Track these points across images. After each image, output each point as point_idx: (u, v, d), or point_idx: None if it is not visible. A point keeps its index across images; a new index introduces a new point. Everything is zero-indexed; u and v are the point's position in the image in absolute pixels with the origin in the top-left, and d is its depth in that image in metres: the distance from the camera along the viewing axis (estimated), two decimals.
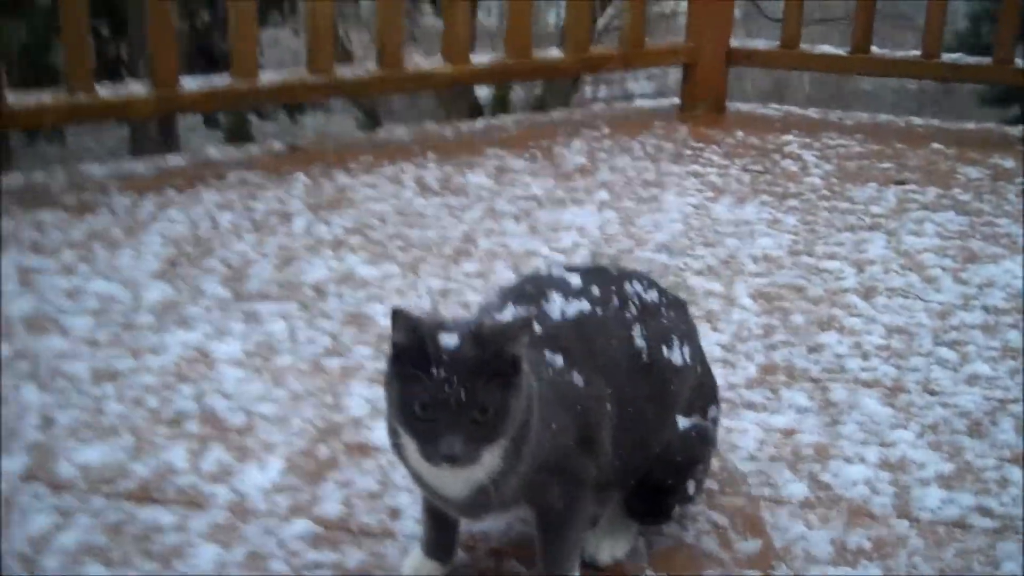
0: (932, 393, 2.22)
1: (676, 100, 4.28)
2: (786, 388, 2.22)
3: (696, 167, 3.57)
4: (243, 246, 2.82)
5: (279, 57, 10.94)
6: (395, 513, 1.80)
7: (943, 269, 2.81)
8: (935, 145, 3.86)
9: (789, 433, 2.06)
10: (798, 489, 1.89)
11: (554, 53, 4.11)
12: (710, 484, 1.85)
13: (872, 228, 3.09)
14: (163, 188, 3.18)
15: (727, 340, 2.41)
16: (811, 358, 2.35)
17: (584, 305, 1.63)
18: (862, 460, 1.98)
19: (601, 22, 10.36)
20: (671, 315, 1.72)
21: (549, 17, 11.31)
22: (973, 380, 2.27)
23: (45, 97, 3.27)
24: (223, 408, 2.09)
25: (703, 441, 1.71)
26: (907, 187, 3.43)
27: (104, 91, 3.32)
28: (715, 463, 1.88)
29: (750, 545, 1.75)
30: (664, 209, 3.18)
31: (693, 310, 2.46)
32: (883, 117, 4.35)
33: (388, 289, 2.61)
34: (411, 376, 1.40)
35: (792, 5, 4.15)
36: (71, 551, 1.69)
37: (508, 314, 1.58)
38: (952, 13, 4.93)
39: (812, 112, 4.37)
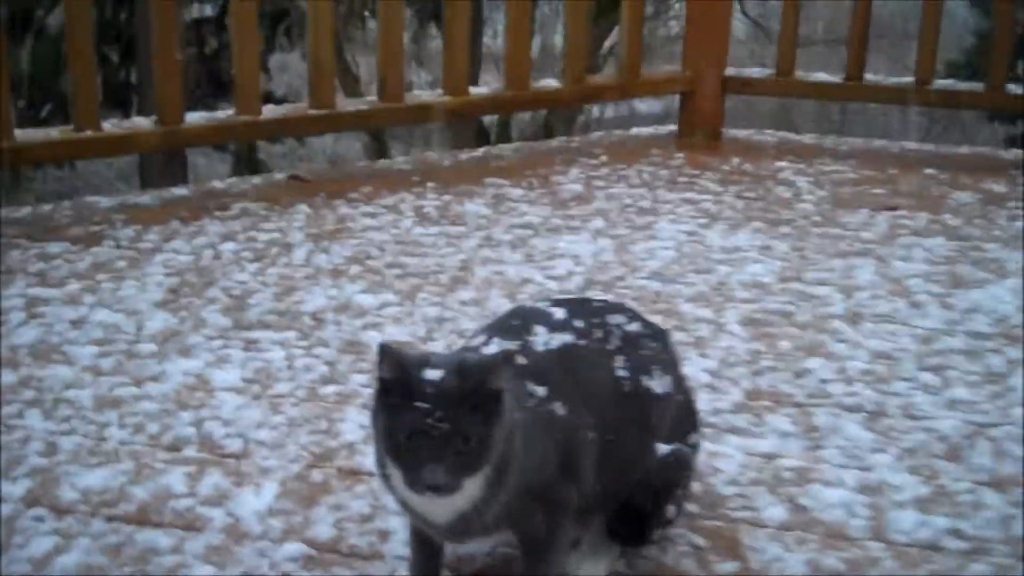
0: (913, 417, 2.27)
1: (674, 127, 4.36)
2: (770, 413, 2.27)
3: (691, 194, 3.63)
4: (244, 276, 2.89)
5: (288, 82, 11.07)
6: (384, 536, 1.85)
7: (930, 295, 2.86)
8: (928, 170, 3.92)
9: (771, 457, 2.11)
10: (777, 512, 1.93)
11: (552, 84, 4.20)
12: (691, 507, 1.90)
13: (862, 254, 3.14)
14: (167, 219, 3.26)
15: (714, 366, 2.46)
16: (796, 383, 2.40)
17: (567, 337, 1.70)
18: (841, 484, 2.02)
19: (607, 44, 10.45)
20: (653, 345, 1.78)
21: (556, 39, 11.39)
22: (953, 404, 2.31)
23: (52, 133, 3.36)
24: (221, 434, 2.15)
25: (682, 467, 1.77)
26: (898, 213, 3.49)
27: (110, 126, 3.41)
28: (697, 486, 1.94)
29: (728, 567, 1.79)
30: (658, 236, 3.25)
31: (682, 336, 2.54)
32: (877, 142, 4.42)
33: (385, 317, 2.67)
34: (397, 408, 1.45)
35: (786, 34, 4.23)
36: (71, 573, 1.75)
37: (493, 347, 1.65)
38: (953, 38, 5.00)
39: (807, 138, 4.45)
